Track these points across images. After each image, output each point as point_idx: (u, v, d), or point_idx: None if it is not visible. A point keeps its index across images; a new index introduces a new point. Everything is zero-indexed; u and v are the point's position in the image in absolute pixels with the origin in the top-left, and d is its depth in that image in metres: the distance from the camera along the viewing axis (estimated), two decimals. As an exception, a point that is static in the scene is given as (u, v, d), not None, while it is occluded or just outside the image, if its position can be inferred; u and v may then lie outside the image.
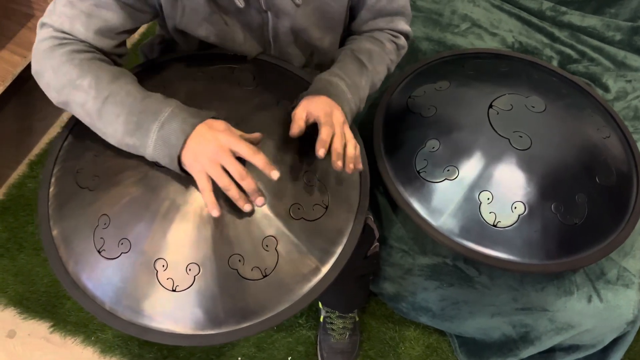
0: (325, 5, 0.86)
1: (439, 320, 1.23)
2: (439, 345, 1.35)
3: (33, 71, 0.78)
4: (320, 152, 0.73)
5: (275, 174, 0.68)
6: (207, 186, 0.68)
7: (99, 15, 0.76)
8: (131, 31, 0.82)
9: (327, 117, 0.76)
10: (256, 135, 0.74)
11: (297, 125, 0.76)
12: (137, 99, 0.72)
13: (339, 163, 0.74)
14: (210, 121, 0.71)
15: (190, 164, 0.69)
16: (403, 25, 0.95)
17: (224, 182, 0.68)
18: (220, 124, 0.71)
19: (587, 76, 1.35)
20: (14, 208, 1.49)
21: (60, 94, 0.75)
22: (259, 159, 0.68)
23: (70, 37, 0.76)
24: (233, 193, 0.69)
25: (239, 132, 0.72)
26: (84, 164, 0.80)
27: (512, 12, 1.46)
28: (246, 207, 0.70)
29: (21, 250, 1.43)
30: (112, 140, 0.74)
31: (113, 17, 0.77)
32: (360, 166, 0.78)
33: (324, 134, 0.74)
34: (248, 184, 0.69)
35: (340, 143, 0.75)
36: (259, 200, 0.70)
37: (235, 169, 0.68)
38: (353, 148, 0.76)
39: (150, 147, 0.70)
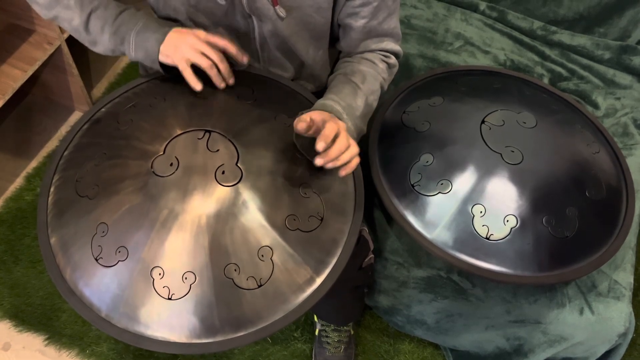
0: (308, 17, 0.88)
1: (434, 333, 1.24)
2: (434, 359, 1.35)
3: None
4: (320, 145, 0.74)
5: (245, 59, 0.86)
6: (188, 69, 0.84)
7: None
8: None
9: (333, 119, 0.79)
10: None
11: (303, 120, 0.76)
12: (114, 13, 0.85)
13: (336, 163, 0.76)
14: (178, 28, 0.84)
15: (172, 53, 0.83)
16: (393, 46, 0.97)
17: (206, 63, 0.83)
18: (187, 29, 0.84)
19: (577, 94, 1.37)
20: (11, 221, 1.49)
21: (49, 10, 0.86)
22: (232, 47, 0.85)
23: None
24: (213, 72, 0.85)
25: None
26: (84, 173, 0.81)
27: (504, 31, 1.49)
28: (222, 85, 0.87)
29: (17, 263, 1.43)
30: (101, 49, 0.88)
31: None
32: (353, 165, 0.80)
33: (328, 130, 0.75)
34: (225, 67, 0.85)
35: (344, 144, 0.77)
36: (231, 80, 0.87)
37: (216, 54, 0.84)
38: (349, 155, 0.78)
39: (132, 52, 0.86)
